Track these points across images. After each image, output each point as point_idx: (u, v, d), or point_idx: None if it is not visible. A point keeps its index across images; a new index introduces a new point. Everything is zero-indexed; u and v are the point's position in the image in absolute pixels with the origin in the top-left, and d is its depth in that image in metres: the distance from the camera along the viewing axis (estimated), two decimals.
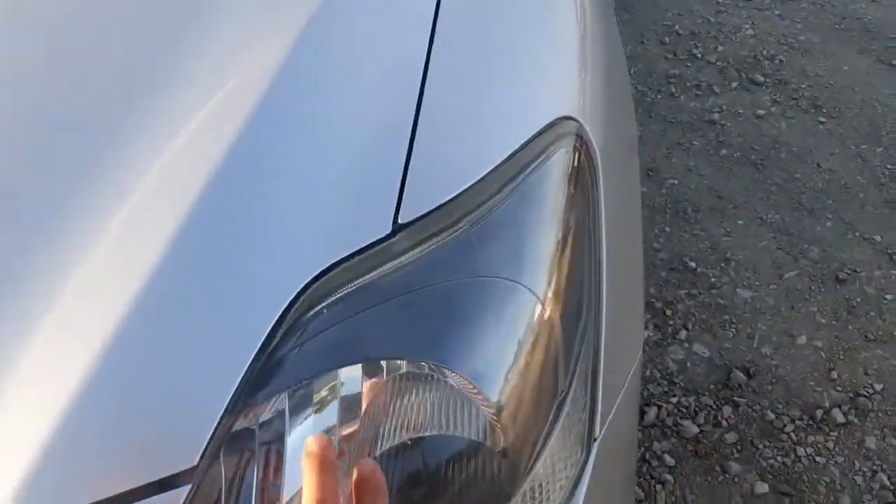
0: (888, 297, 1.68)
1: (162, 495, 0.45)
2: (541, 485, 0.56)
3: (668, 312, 1.66)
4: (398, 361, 0.50)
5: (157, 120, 0.56)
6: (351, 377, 0.49)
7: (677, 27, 2.44)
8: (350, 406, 0.49)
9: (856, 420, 1.47)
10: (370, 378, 0.49)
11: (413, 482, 0.52)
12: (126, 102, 0.58)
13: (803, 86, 2.23)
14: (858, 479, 1.39)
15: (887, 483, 1.38)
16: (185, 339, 0.47)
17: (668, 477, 1.41)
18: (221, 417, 0.46)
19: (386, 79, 0.60)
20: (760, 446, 1.45)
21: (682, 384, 1.55)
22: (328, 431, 0.48)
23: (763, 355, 1.58)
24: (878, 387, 1.52)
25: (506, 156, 0.58)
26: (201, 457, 0.45)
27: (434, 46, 0.62)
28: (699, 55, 2.35)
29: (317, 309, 0.50)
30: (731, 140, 2.06)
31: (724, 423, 1.48)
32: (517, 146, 0.59)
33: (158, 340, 0.47)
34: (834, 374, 1.55)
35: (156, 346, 0.47)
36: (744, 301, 1.68)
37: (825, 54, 2.34)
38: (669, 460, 1.43)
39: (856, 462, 1.41)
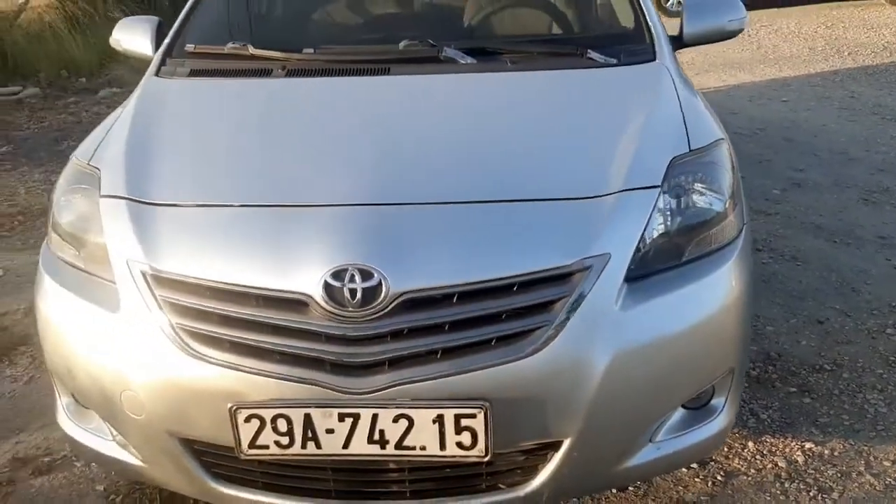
0: None
1: (647, 191, 1.93)
2: (732, 220, 2.04)
3: None
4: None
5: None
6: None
7: None
8: None
9: None
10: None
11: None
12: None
13: (786, 250, 3.82)
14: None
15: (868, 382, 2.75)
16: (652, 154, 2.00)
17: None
18: (665, 174, 1.96)
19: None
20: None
21: None
22: None
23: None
24: None
25: (716, 138, 2.15)
26: (662, 180, 1.94)
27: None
28: None
29: (677, 163, 2.02)
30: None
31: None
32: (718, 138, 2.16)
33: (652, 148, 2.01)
34: None
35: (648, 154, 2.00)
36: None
37: (795, 239, 3.96)
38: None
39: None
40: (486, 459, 1.76)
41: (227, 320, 1.78)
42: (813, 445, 2.46)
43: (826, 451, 2.44)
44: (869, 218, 4.20)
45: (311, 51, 2.56)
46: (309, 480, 1.89)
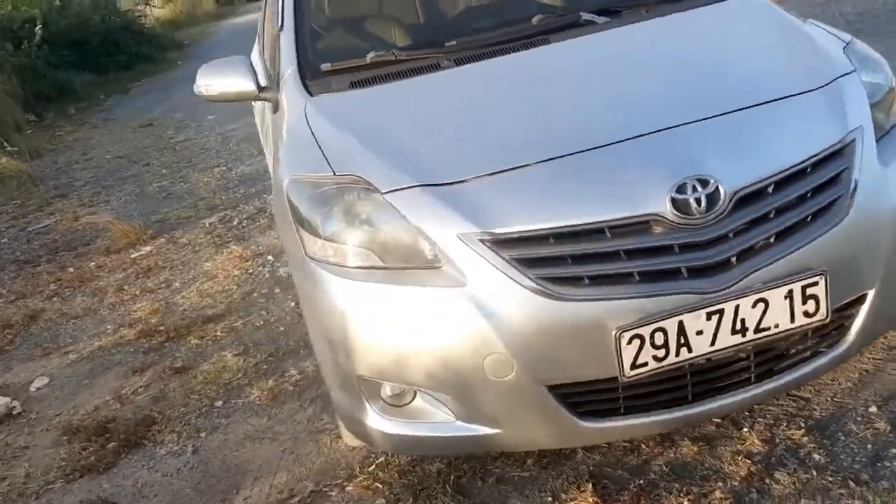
0: None
1: (851, 76, 2.24)
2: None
3: None
4: None
5: None
6: None
7: None
8: None
9: None
10: None
11: None
12: None
13: None
14: None
15: None
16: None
17: None
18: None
19: None
20: None
21: None
22: None
23: None
24: None
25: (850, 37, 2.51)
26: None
27: None
28: None
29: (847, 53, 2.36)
30: None
31: None
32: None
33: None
34: None
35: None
36: None
37: None
38: None
39: None
40: (828, 321, 1.99)
41: (582, 258, 1.90)
42: None
43: None
44: None
45: (454, 43, 2.67)
46: (667, 392, 2.03)
